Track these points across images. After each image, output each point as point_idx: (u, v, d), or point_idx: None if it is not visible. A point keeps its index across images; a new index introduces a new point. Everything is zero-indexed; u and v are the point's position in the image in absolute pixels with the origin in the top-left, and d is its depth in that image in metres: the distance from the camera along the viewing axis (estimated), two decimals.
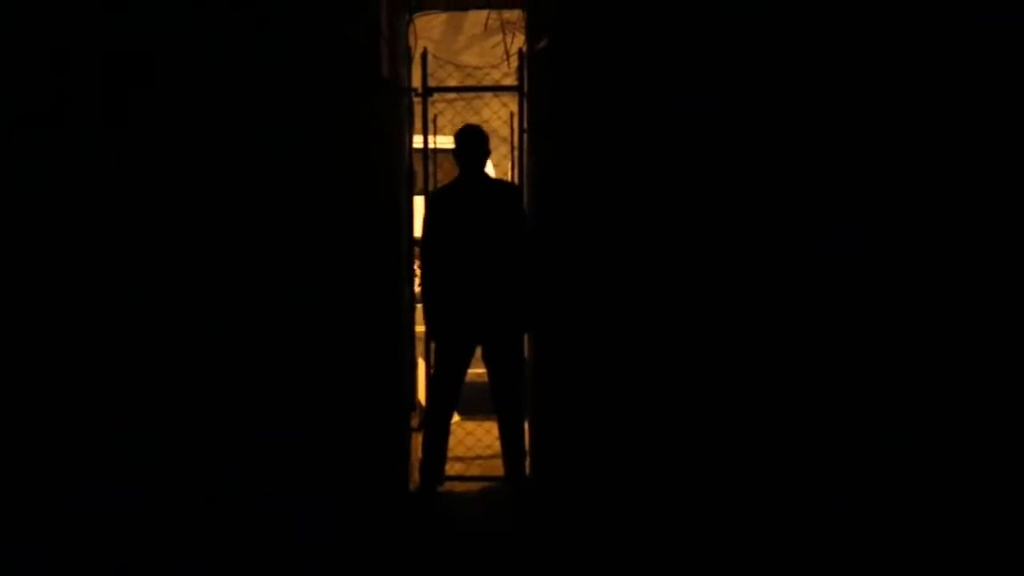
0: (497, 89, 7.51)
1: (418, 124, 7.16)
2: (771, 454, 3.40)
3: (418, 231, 6.64)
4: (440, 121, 7.33)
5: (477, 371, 6.83)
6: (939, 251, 2.84)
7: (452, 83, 7.46)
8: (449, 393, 6.30)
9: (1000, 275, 2.73)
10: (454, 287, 6.22)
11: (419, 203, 6.91)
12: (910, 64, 2.99)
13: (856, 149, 3.15)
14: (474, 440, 7.28)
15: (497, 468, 6.70)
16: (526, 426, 6.83)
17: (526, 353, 6.79)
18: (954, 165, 2.85)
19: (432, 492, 6.32)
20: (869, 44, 3.10)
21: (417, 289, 7.14)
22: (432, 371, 6.39)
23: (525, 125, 6.92)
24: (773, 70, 3.41)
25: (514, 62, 7.51)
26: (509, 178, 7.47)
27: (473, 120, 7.10)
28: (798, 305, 3.35)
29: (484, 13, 12.40)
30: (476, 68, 8.68)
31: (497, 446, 6.63)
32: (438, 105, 7.46)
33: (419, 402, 7.12)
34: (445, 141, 8.76)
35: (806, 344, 3.33)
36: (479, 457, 6.83)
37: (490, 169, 8.90)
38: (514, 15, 10.44)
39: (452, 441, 6.91)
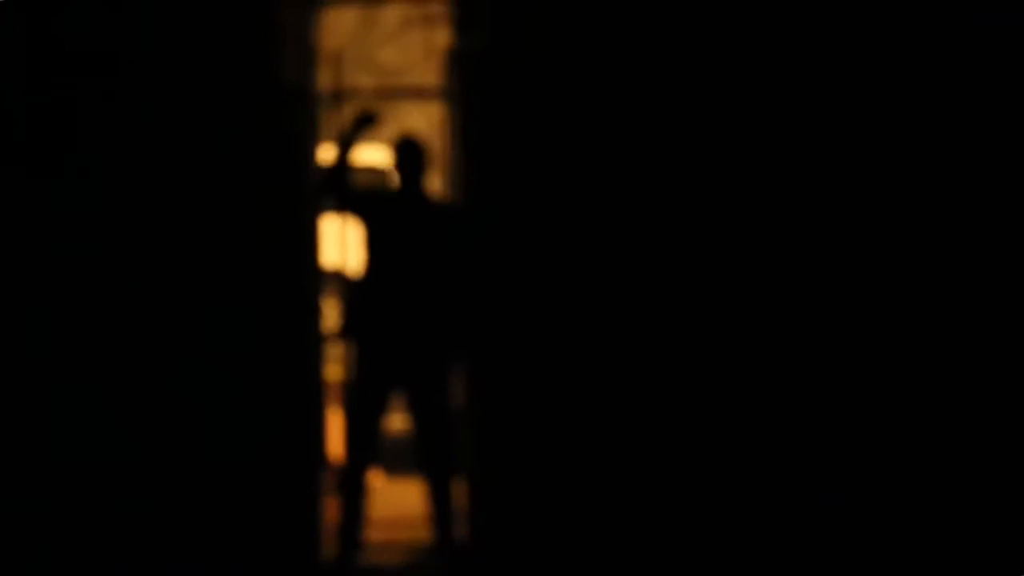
0: (420, 93, 7.23)
1: (329, 134, 7.01)
2: (745, 513, 3.56)
3: (328, 259, 6.52)
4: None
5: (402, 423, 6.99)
6: (938, 251, 2.98)
7: (367, 86, 7.17)
8: (367, 443, 6.00)
9: (1000, 276, 2.89)
10: (374, 314, 5.95)
11: (328, 227, 6.82)
12: (898, 64, 3.15)
13: (806, 154, 3.35)
14: (399, 500, 7.20)
15: (425, 533, 6.63)
16: (459, 484, 6.70)
17: (456, 399, 6.64)
18: (954, 165, 2.99)
19: (350, 562, 6.05)
20: (822, 49, 3.32)
21: (330, 327, 7.12)
22: (347, 418, 6.12)
23: (456, 134, 6.85)
24: (734, 66, 3.58)
25: (440, 61, 7.06)
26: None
27: (393, 127, 6.75)
28: (763, 334, 3.52)
29: (403, 6, 12.16)
30: (395, 68, 8.36)
31: (424, 507, 6.50)
32: (351, 111, 6.91)
33: (330, 459, 7.03)
34: (362, 154, 8.53)
35: (770, 383, 3.51)
36: (404, 520, 6.74)
37: None
38: (438, 7, 10.08)
39: (376, 501, 6.95)
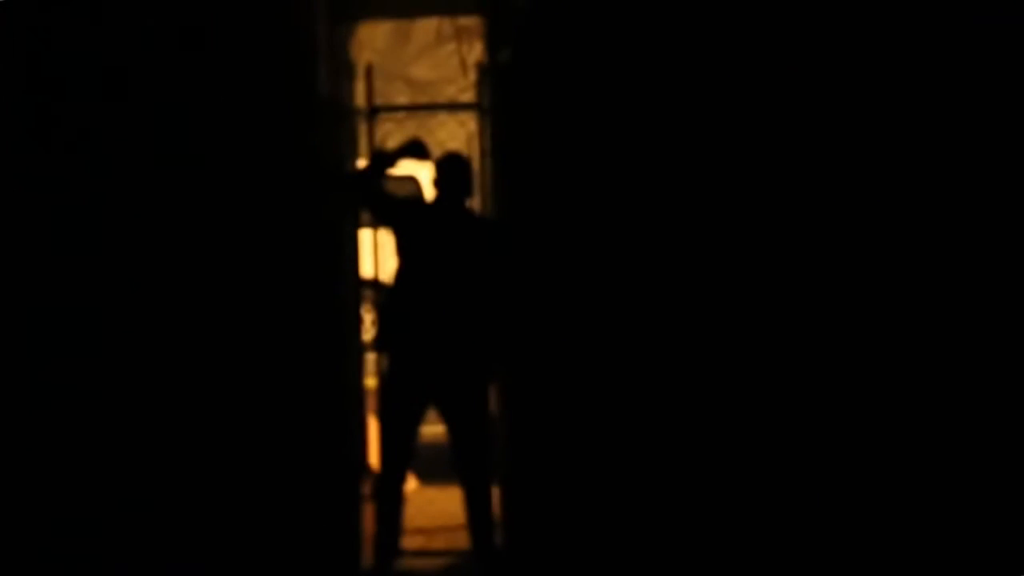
0: (453, 107, 7.29)
1: (363, 148, 7.01)
2: (767, 517, 3.56)
3: (366, 270, 6.59)
4: (390, 143, 7.16)
5: (438, 429, 6.69)
6: (938, 251, 3.04)
7: (401, 100, 7.31)
8: (401, 453, 5.91)
9: (1000, 276, 2.94)
10: (408, 325, 5.87)
11: (366, 238, 6.86)
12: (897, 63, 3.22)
13: (832, 160, 3.38)
14: (436, 509, 7.08)
15: (463, 540, 6.36)
16: (495, 491, 6.65)
17: (492, 407, 6.58)
18: (954, 165, 3.04)
19: (387, 570, 6.01)
20: (845, 50, 3.33)
21: (367, 337, 7.02)
22: (381, 428, 6.06)
23: (487, 148, 6.84)
24: (752, 76, 3.59)
25: (473, 75, 7.13)
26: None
27: (428, 142, 6.83)
28: (783, 344, 3.55)
29: (436, 20, 12.17)
30: (429, 83, 8.42)
31: (462, 515, 6.28)
32: (386, 125, 7.33)
33: (371, 467, 7.02)
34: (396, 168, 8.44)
35: (787, 393, 3.54)
36: (442, 528, 6.73)
37: None
38: (471, 21, 10.09)
39: (411, 510, 6.74)
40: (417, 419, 5.88)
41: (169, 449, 4.02)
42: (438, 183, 5.95)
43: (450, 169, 5.97)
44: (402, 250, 5.88)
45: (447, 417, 5.88)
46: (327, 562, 5.80)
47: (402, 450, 5.89)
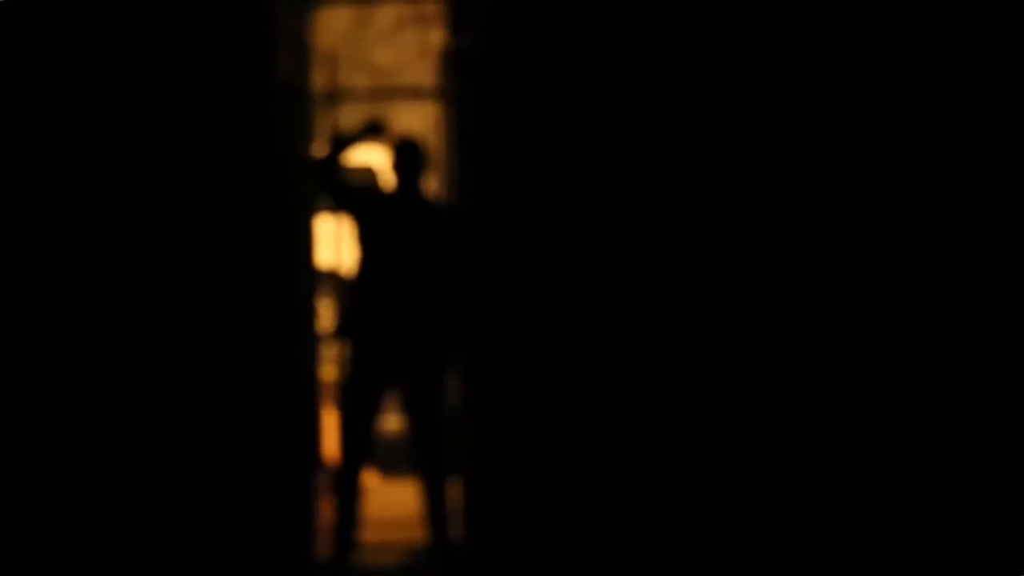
0: (415, 93, 7.38)
1: (323, 133, 7.05)
2: (744, 506, 3.55)
3: (322, 259, 6.55)
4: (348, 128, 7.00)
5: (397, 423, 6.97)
6: (938, 252, 3.05)
7: (362, 85, 7.24)
8: (361, 443, 5.93)
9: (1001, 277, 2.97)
10: (367, 314, 5.91)
11: (321, 226, 6.78)
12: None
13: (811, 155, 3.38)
14: (395, 502, 7.24)
15: (421, 534, 6.46)
16: (456, 484, 6.75)
17: (452, 397, 6.61)
18: (954, 165, 3.05)
19: (345, 563, 6.06)
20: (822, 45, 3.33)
21: (323, 326, 7.04)
22: (340, 419, 6.07)
23: (449, 134, 6.86)
24: (735, 62, 3.55)
25: (435, 60, 7.11)
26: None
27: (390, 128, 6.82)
28: (759, 332, 3.50)
29: (397, 5, 12.16)
30: (390, 68, 8.42)
31: (420, 509, 6.40)
32: (345, 111, 7.11)
33: (325, 459, 7.05)
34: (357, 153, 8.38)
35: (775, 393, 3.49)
36: (400, 522, 6.79)
37: None
38: (432, 7, 10.08)
39: (371, 503, 6.84)
40: (377, 408, 5.88)
41: (111, 442, 3.97)
42: (396, 167, 5.96)
43: (406, 153, 6.00)
44: (362, 238, 5.90)
45: (406, 407, 5.90)
46: (279, 555, 5.77)
47: (362, 440, 5.88)
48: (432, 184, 7.96)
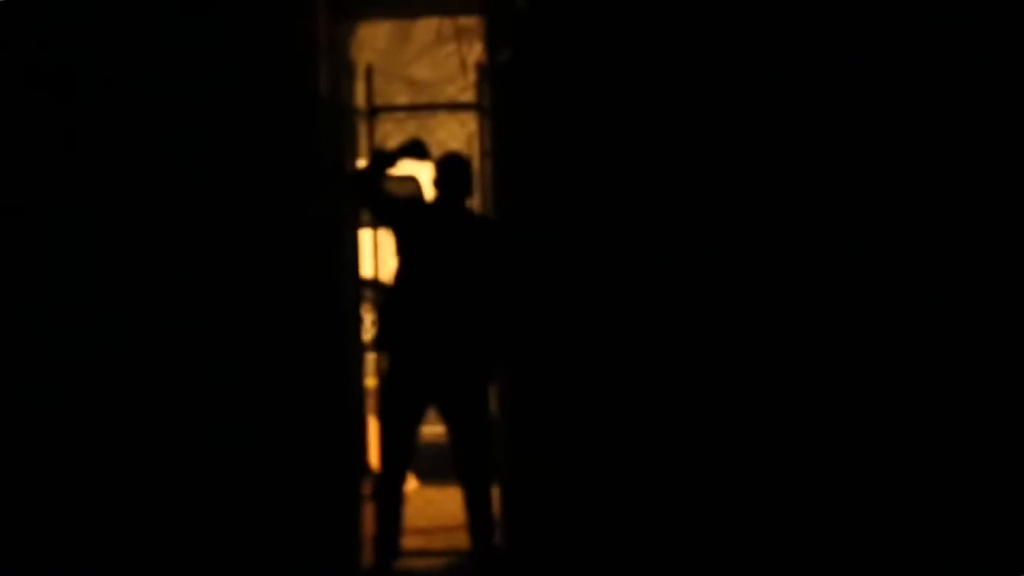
0: (453, 107, 7.40)
1: (364, 148, 7.00)
2: (767, 515, 3.53)
3: (366, 270, 6.59)
4: (390, 144, 7.13)
5: (438, 429, 6.68)
6: (939, 252, 3.00)
7: (401, 100, 7.32)
8: (401, 453, 5.90)
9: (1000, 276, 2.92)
10: (409, 326, 5.87)
11: (366, 239, 6.85)
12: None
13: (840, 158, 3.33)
14: (436, 509, 7.17)
15: (462, 540, 6.36)
16: (495, 491, 6.64)
17: (492, 406, 6.56)
18: (953, 165, 3.01)
19: (388, 570, 6.06)
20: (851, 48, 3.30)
21: (367, 337, 7.02)
22: (381, 428, 6.05)
23: (487, 148, 6.83)
24: (754, 74, 3.54)
25: (473, 75, 7.21)
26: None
27: (428, 142, 6.83)
28: (783, 344, 3.49)
29: (436, 20, 12.13)
30: (429, 83, 8.44)
31: (462, 515, 6.31)
32: (386, 126, 7.37)
33: (371, 467, 7.01)
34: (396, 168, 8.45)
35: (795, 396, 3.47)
36: (442, 528, 6.77)
37: None
38: (471, 21, 10.08)
39: (411, 510, 6.78)
40: (417, 419, 5.85)
41: (167, 450, 4.02)
42: (438, 183, 5.92)
43: (449, 169, 5.94)
44: (402, 250, 5.86)
45: (447, 417, 5.86)
46: (326, 562, 5.77)
47: (402, 450, 5.86)
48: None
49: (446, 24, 12.45)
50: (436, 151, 7.19)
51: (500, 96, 6.22)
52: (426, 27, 12.69)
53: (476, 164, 6.96)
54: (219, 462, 4.27)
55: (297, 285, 5.19)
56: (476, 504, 5.94)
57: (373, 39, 9.49)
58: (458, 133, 7.58)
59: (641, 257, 4.02)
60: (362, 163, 7.08)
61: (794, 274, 3.39)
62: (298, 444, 5.17)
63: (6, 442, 3.13)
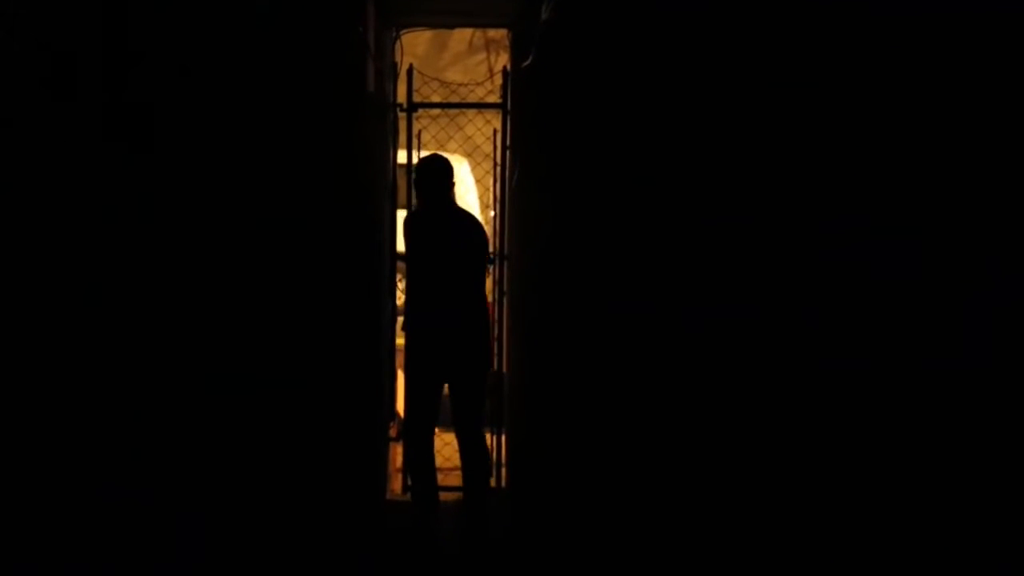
0: (481, 106, 7.72)
1: (402, 139, 7.33)
2: (766, 464, 3.27)
3: (400, 245, 6.67)
4: (424, 136, 7.32)
5: None
6: (939, 252, 2.81)
7: (436, 99, 7.71)
8: (426, 418, 6.29)
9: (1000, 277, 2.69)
10: (419, 320, 6.27)
11: (401, 217, 6.88)
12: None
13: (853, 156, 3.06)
14: (452, 450, 7.10)
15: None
16: (501, 437, 7.00)
17: (503, 366, 6.92)
18: (954, 165, 2.80)
19: (427, 523, 6.32)
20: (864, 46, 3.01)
21: (399, 301, 7.27)
22: (405, 411, 6.46)
23: (508, 142, 7.09)
24: (765, 79, 3.28)
25: (498, 80, 7.63)
26: (492, 193, 7.66)
27: (456, 136, 7.24)
28: (788, 344, 3.21)
29: (469, 31, 12.60)
30: (460, 85, 8.90)
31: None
32: (422, 120, 7.59)
33: (398, 412, 7.21)
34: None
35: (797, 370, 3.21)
36: (457, 468, 6.68)
37: (471, 188, 9.08)
38: (499, 34, 10.65)
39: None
40: (437, 397, 6.29)
41: (240, 380, 4.01)
42: (419, 183, 6.09)
43: (428, 169, 6.09)
44: (408, 255, 6.26)
45: (454, 392, 6.30)
46: (359, 491, 6.05)
47: (427, 416, 6.26)
48: (488, 184, 8.16)
49: (478, 35, 12.89)
50: (465, 145, 7.63)
51: (519, 96, 6.44)
52: (460, 37, 13.10)
53: (498, 156, 7.26)
54: (272, 402, 4.32)
55: (345, 258, 5.43)
56: (469, 451, 6.29)
57: (414, 46, 9.80)
58: (485, 129, 8.08)
59: (643, 245, 3.94)
60: (402, 154, 7.39)
61: (794, 274, 3.16)
62: (342, 390, 5.40)
63: (13, 436, 2.80)
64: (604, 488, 4.29)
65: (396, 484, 7.23)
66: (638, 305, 3.94)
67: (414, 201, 6.48)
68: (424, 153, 6.65)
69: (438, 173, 6.11)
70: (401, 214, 7.04)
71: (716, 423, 3.42)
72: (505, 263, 7.18)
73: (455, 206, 6.31)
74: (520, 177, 6.57)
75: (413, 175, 6.21)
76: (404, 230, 6.30)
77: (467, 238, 6.23)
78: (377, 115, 6.60)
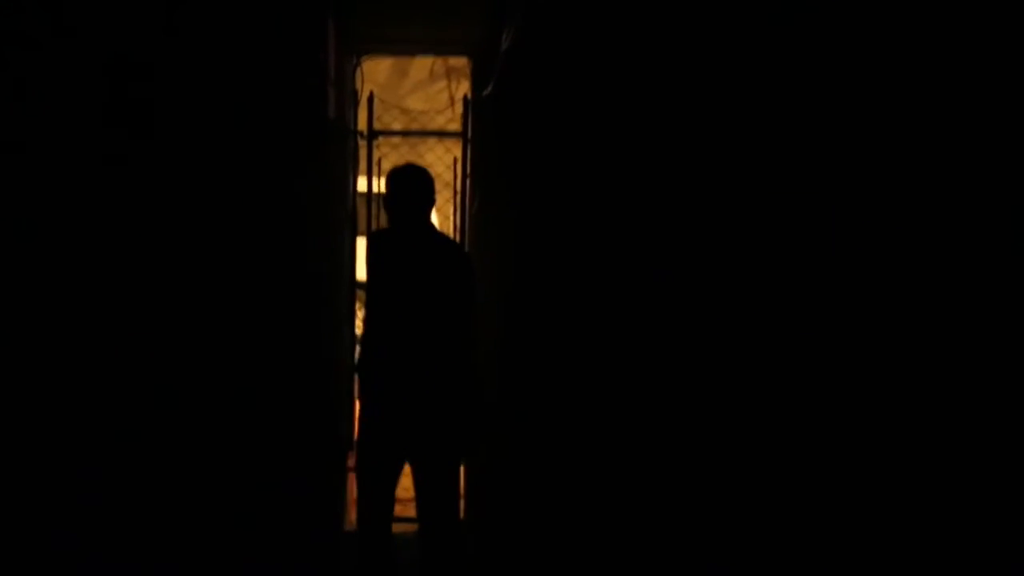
0: (441, 135, 7.65)
1: (362, 166, 7.31)
2: (753, 508, 3.08)
3: (360, 273, 6.46)
4: (384, 164, 7.27)
5: None
6: (939, 252, 2.63)
7: (397, 127, 7.67)
8: (381, 508, 5.03)
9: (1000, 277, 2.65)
10: (381, 369, 4.91)
11: (361, 244, 6.80)
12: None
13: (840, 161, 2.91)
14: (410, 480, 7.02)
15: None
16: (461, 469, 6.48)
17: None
18: (954, 165, 2.65)
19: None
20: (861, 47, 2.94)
21: (358, 330, 7.19)
22: (357, 498, 5.14)
23: (468, 170, 7.11)
24: (735, 107, 3.14)
25: (459, 108, 7.63)
26: (451, 221, 7.61)
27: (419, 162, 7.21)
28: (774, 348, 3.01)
29: (430, 59, 12.64)
30: (421, 112, 8.87)
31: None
32: (383, 148, 7.57)
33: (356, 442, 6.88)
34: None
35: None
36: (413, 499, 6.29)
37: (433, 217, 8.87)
38: (460, 62, 10.65)
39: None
40: (394, 479, 5.03)
41: (186, 410, 3.92)
42: (393, 197, 4.95)
43: (404, 179, 4.97)
44: (370, 283, 5.01)
45: (417, 469, 5.02)
46: (314, 524, 5.93)
47: (382, 506, 5.05)
48: (448, 213, 8.20)
49: (439, 63, 12.90)
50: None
51: (480, 124, 6.43)
52: (421, 65, 13.11)
53: (458, 185, 7.24)
54: (223, 434, 4.20)
55: (303, 284, 5.30)
56: (438, 551, 5.01)
57: (375, 73, 9.81)
58: (445, 157, 8.07)
59: (611, 272, 3.81)
60: (362, 181, 7.36)
61: (792, 274, 2.93)
62: (294, 420, 5.26)
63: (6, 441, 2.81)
64: (568, 517, 4.21)
65: (353, 515, 6.95)
66: (600, 335, 3.87)
67: (374, 227, 6.31)
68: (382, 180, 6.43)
69: (417, 185, 4.91)
70: (361, 241, 6.98)
71: (682, 456, 3.27)
72: None
73: (434, 229, 5.00)
74: (480, 205, 6.57)
75: (384, 188, 5.09)
76: (367, 251, 5.04)
77: (447, 269, 4.88)
78: (337, 142, 6.59)
